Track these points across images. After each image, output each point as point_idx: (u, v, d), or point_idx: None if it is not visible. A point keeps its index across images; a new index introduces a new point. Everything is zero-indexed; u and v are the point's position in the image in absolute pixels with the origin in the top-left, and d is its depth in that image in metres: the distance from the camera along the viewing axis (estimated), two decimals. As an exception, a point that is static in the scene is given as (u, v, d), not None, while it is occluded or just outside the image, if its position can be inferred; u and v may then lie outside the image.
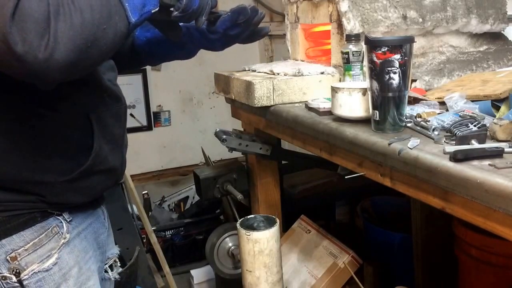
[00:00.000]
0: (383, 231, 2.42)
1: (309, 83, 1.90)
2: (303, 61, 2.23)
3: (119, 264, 1.56)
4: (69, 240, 1.28)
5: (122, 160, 1.41)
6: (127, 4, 1.04)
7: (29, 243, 1.22)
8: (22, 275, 1.22)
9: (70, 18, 0.92)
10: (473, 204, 1.08)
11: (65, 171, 1.23)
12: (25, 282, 1.22)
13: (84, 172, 1.25)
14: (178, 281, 3.20)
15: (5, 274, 1.21)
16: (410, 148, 1.23)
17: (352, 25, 1.82)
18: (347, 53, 1.76)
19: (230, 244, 2.53)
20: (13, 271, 1.21)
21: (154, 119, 4.55)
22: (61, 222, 1.27)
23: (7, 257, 1.21)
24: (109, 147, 1.31)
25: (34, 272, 1.23)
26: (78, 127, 1.24)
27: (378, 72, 1.33)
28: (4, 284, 1.22)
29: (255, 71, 2.17)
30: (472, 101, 1.50)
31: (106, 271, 1.51)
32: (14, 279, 1.21)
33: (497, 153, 1.12)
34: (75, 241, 1.31)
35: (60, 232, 1.27)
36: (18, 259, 1.21)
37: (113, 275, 1.54)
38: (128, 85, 4.39)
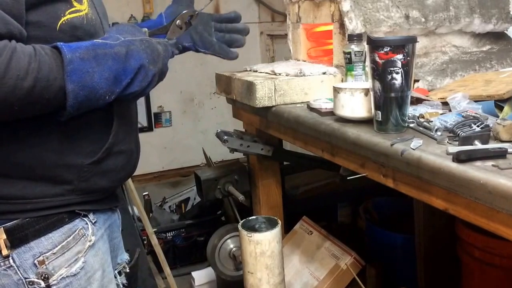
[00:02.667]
0: (386, 232, 2.41)
1: (311, 83, 1.90)
2: (304, 61, 2.23)
3: (127, 270, 1.55)
4: (94, 243, 1.27)
5: (137, 144, 1.41)
6: (69, 100, 1.07)
7: (57, 246, 1.20)
8: (50, 280, 1.19)
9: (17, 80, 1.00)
10: (476, 205, 1.08)
11: (90, 152, 1.21)
12: (54, 287, 1.19)
13: (107, 151, 1.23)
14: (179, 283, 3.20)
15: (32, 279, 1.17)
16: (413, 149, 1.23)
17: (354, 25, 1.82)
18: (349, 53, 1.76)
19: (231, 246, 2.53)
20: (41, 276, 1.18)
21: (155, 120, 4.55)
22: (87, 224, 1.25)
23: (35, 261, 1.17)
24: (126, 128, 1.30)
25: (62, 277, 1.20)
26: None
27: (380, 72, 1.33)
28: None
29: (256, 71, 2.17)
30: (475, 101, 1.50)
31: (115, 277, 1.47)
32: (43, 284, 1.18)
33: (501, 154, 1.12)
34: (99, 243, 1.29)
35: (86, 234, 1.25)
36: (46, 263, 1.18)
37: (121, 280, 1.52)
38: (128, 86, 4.39)
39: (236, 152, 2.22)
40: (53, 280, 1.19)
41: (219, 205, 3.71)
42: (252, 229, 2.06)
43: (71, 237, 1.22)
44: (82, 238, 1.24)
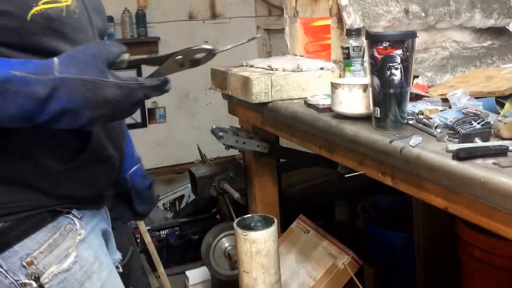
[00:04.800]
0: (384, 231, 2.41)
1: (308, 79, 1.90)
2: (302, 56, 2.23)
3: (121, 270, 1.54)
4: (85, 236, 1.26)
5: (121, 150, 1.38)
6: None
7: (43, 245, 1.19)
8: (42, 279, 1.19)
9: None
10: (476, 204, 1.08)
11: (66, 159, 1.20)
12: (46, 286, 1.19)
13: (85, 159, 1.22)
14: (173, 282, 3.19)
15: (24, 281, 1.18)
16: (412, 146, 1.23)
17: (352, 19, 1.82)
18: (348, 48, 1.75)
19: (226, 245, 2.53)
20: (32, 276, 1.18)
21: (148, 116, 4.55)
22: (72, 219, 1.24)
23: (23, 263, 1.18)
24: (106, 133, 1.28)
25: (54, 274, 1.20)
26: None
27: (379, 68, 1.32)
28: None
29: (252, 66, 2.17)
30: (476, 98, 1.50)
31: None
32: (34, 284, 1.19)
33: (501, 152, 1.12)
34: (91, 236, 1.28)
35: (74, 229, 1.24)
36: (35, 263, 1.18)
37: None
38: (122, 81, 4.38)
39: (232, 148, 2.21)
40: (45, 279, 1.19)
41: (214, 203, 3.71)
42: (248, 227, 2.06)
43: (57, 233, 1.21)
44: (71, 233, 1.24)
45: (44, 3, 1.08)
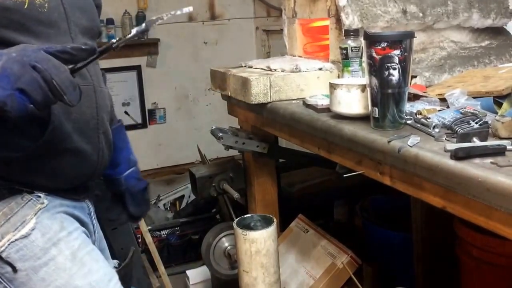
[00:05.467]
0: (383, 230, 2.41)
1: (307, 79, 1.90)
2: (300, 57, 2.23)
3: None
4: (48, 206, 1.23)
5: (98, 146, 1.32)
6: None
7: None
8: None
9: None
10: (474, 203, 1.08)
11: (19, 146, 1.17)
12: (4, 254, 1.18)
13: (43, 148, 1.18)
14: (173, 281, 3.19)
15: None
16: (410, 146, 1.22)
17: (350, 20, 1.82)
18: (346, 48, 1.75)
19: (226, 244, 2.53)
20: None
21: (149, 117, 4.54)
22: (36, 194, 1.23)
23: None
24: (75, 125, 1.23)
25: (11, 242, 1.18)
26: None
27: (377, 68, 1.32)
28: None
29: (251, 67, 2.16)
30: (474, 97, 1.50)
31: None
32: None
33: (499, 151, 1.11)
34: (58, 209, 1.26)
35: (35, 199, 1.22)
36: None
37: None
38: (122, 82, 4.39)
39: (231, 149, 2.21)
40: (2, 247, 1.17)
41: (214, 203, 3.70)
42: (247, 227, 2.06)
43: (13, 202, 1.20)
44: (30, 202, 1.21)
45: None
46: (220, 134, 2.12)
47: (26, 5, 1.12)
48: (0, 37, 1.12)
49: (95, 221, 1.44)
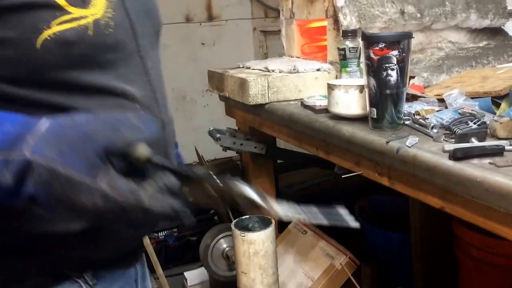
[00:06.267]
0: (381, 231, 2.41)
1: (304, 80, 1.90)
2: (298, 57, 2.23)
3: None
4: None
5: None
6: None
7: None
8: None
9: None
10: (473, 204, 1.08)
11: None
12: None
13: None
14: (171, 283, 3.19)
15: None
16: (409, 147, 1.22)
17: (348, 20, 1.82)
18: (344, 49, 1.76)
19: (224, 246, 2.53)
20: None
21: (146, 118, 4.54)
22: (83, 279, 0.93)
23: None
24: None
25: None
26: None
27: (375, 69, 1.32)
28: None
29: (249, 68, 2.17)
30: (472, 98, 1.50)
31: None
32: None
33: (498, 151, 1.11)
34: None
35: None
36: None
37: None
38: (119, 83, 4.38)
39: (229, 150, 2.21)
40: None
41: (212, 205, 3.70)
42: (245, 228, 2.06)
43: None
44: None
45: (60, 24, 0.80)
46: (218, 135, 2.12)
47: (90, 31, 0.84)
48: (62, 80, 0.84)
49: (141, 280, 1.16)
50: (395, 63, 1.31)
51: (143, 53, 0.97)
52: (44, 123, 0.72)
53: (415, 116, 1.40)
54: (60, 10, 0.81)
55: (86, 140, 0.72)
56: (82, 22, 0.83)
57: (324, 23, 1.99)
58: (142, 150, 0.74)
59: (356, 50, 1.74)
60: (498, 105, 1.44)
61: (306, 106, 1.74)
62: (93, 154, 0.71)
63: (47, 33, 0.80)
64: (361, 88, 1.45)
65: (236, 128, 2.39)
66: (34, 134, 0.71)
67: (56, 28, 0.81)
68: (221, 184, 0.82)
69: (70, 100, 0.85)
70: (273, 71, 1.98)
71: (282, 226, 2.53)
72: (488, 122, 1.25)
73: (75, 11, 0.82)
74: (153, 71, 0.99)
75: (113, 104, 0.90)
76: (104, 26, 0.86)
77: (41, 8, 0.80)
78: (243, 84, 1.88)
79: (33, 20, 0.79)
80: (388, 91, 1.33)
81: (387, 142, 1.28)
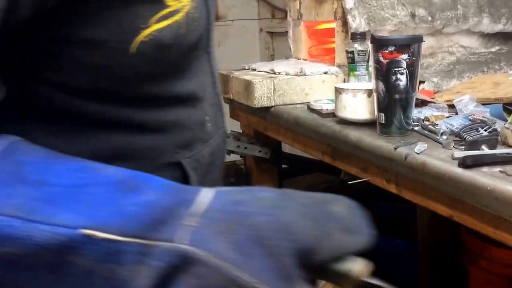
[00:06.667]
0: (387, 238, 2.41)
1: (311, 83, 1.90)
2: (305, 60, 2.23)
3: None
4: None
5: None
6: None
7: None
8: None
9: None
10: (482, 213, 1.08)
11: None
12: None
13: None
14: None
15: None
16: (417, 153, 1.22)
17: (357, 23, 1.82)
18: (352, 52, 1.76)
19: (226, 252, 2.53)
20: None
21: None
22: None
23: None
24: None
25: None
26: None
27: (384, 73, 1.32)
28: None
29: (255, 70, 2.17)
30: (483, 104, 1.50)
31: None
32: None
33: (509, 160, 1.11)
34: None
35: None
36: None
37: None
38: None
39: (233, 154, 2.21)
40: None
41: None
42: None
43: None
44: None
45: (158, 21, 0.64)
46: (222, 138, 2.12)
47: (183, 28, 0.67)
48: (146, 94, 0.69)
49: None
50: (405, 67, 1.30)
51: (210, 49, 0.82)
52: (206, 194, 0.50)
53: (424, 122, 1.39)
54: (160, 2, 0.65)
55: (285, 236, 0.47)
56: (177, 17, 0.66)
57: (333, 25, 1.99)
58: (360, 268, 0.55)
59: (365, 53, 1.74)
60: (509, 112, 1.44)
61: (312, 110, 1.74)
62: (291, 260, 0.48)
63: (144, 34, 0.63)
64: (370, 93, 1.45)
65: (241, 131, 2.39)
66: (194, 211, 0.47)
67: (154, 26, 0.64)
68: None
69: (146, 115, 0.69)
70: (279, 73, 1.98)
71: None
72: (499, 129, 1.24)
73: (173, 3, 0.66)
74: (215, 70, 0.85)
75: (186, 115, 0.75)
76: (192, 21, 0.69)
77: (140, 1, 0.63)
78: (248, 86, 1.88)
79: (131, 17, 0.63)
80: (397, 96, 1.33)
81: (395, 148, 1.28)
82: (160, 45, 0.64)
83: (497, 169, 1.09)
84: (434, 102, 1.61)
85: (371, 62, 1.39)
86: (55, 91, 0.63)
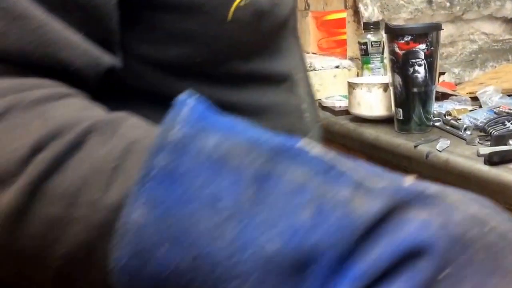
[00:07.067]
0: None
1: (322, 78, 1.89)
2: (315, 53, 2.22)
3: None
4: None
5: None
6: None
7: None
8: None
9: None
10: (511, 213, 1.04)
11: None
12: None
13: None
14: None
15: None
16: (439, 151, 1.21)
17: (370, 11, 1.81)
18: (365, 43, 1.74)
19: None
20: None
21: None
22: None
23: None
24: None
25: None
26: None
27: (401, 65, 1.31)
28: None
29: (263, 65, 2.15)
30: (509, 95, 1.49)
31: None
32: None
33: (539, 155, 1.09)
34: None
35: None
36: None
37: None
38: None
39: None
40: None
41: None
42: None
43: None
44: None
45: None
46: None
47: None
48: (238, 74, 0.66)
49: None
50: (423, 58, 1.29)
51: (299, 35, 0.80)
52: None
53: (446, 116, 1.39)
54: None
55: None
56: None
57: (343, 14, 1.98)
58: None
59: (379, 44, 1.73)
60: (538, 103, 1.43)
61: (324, 107, 1.73)
62: None
63: None
64: (385, 87, 1.43)
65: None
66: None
67: None
68: None
69: (240, 95, 0.66)
70: (288, 69, 1.96)
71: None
72: (527, 123, 1.23)
73: None
74: (305, 59, 0.81)
75: (283, 99, 0.72)
76: None
77: None
78: (255, 83, 1.86)
79: None
80: (415, 90, 1.32)
81: (415, 146, 1.27)
82: (258, 10, 0.60)
83: (527, 166, 1.07)
84: (456, 95, 1.59)
85: (386, 54, 1.38)
86: (147, 67, 0.60)
